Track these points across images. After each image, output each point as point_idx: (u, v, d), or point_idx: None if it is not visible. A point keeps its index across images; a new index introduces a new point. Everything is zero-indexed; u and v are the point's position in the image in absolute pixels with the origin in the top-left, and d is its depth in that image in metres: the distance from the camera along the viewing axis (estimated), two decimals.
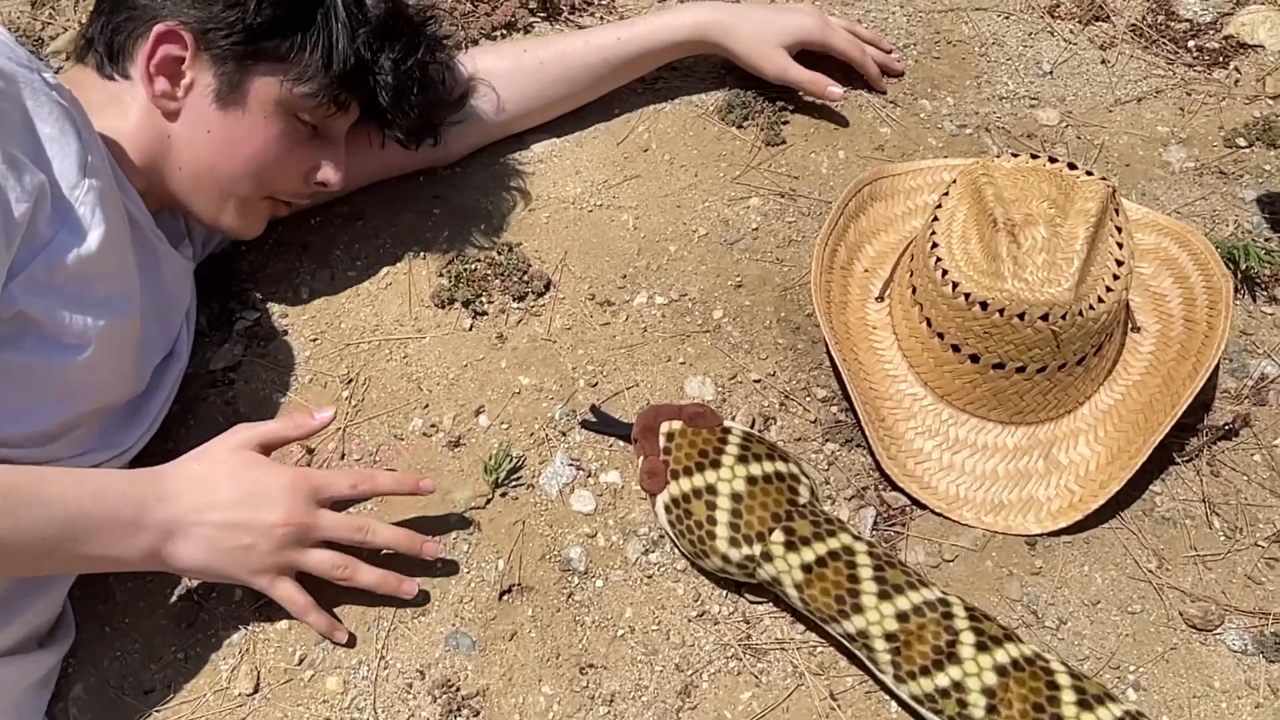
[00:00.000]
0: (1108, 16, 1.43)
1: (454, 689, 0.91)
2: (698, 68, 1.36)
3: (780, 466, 0.92)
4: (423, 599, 0.94)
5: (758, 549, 0.88)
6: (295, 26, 0.98)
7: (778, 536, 0.88)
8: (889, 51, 1.36)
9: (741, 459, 0.92)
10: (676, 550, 0.97)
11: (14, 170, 0.80)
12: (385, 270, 1.18)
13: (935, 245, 1.01)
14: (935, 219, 1.03)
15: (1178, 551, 0.98)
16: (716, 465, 0.92)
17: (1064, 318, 0.94)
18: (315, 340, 1.13)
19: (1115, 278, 0.97)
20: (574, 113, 1.30)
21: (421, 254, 1.19)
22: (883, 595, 0.85)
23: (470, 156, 1.26)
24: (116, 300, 0.92)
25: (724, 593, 0.95)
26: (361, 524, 0.92)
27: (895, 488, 1.01)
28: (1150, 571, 0.96)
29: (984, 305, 0.95)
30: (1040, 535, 0.98)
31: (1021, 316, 0.94)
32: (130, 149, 0.98)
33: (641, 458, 0.96)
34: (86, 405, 0.91)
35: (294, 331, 1.13)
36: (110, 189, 0.91)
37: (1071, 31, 1.43)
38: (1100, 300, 0.96)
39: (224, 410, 1.08)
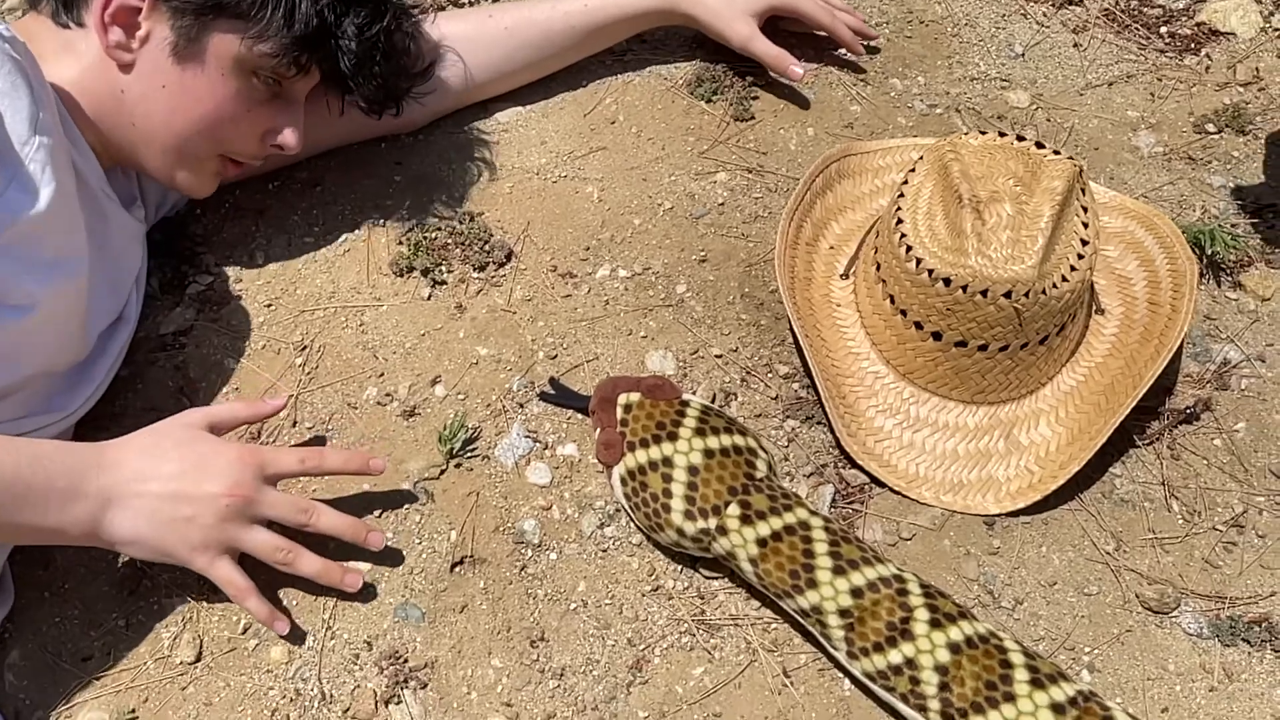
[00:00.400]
0: (1081, 0, 1.43)
1: (402, 660, 0.89)
2: (668, 41, 1.34)
3: (738, 440, 0.91)
4: (367, 593, 0.92)
5: (713, 522, 0.87)
6: None
7: (733, 510, 0.87)
8: (863, 24, 1.35)
9: (699, 432, 0.90)
10: (632, 524, 0.96)
11: None
12: (343, 237, 1.16)
13: (900, 221, 0.99)
14: (901, 195, 1.02)
15: (1136, 534, 0.97)
16: (674, 438, 0.90)
17: (1027, 295, 0.93)
18: (270, 306, 1.10)
19: (1080, 257, 0.96)
20: (541, 83, 1.28)
21: (381, 221, 1.17)
22: (837, 571, 0.84)
23: (434, 124, 1.24)
24: (65, 262, 0.90)
25: (679, 567, 0.94)
26: (306, 505, 0.89)
27: (855, 465, 1.00)
28: (1108, 553, 0.96)
29: (947, 281, 0.94)
30: (999, 515, 0.97)
31: (984, 293, 0.93)
32: (83, 100, 0.95)
33: (598, 429, 0.95)
34: (28, 369, 0.88)
35: (248, 297, 1.11)
36: (61, 146, 0.88)
37: (1045, 15, 1.42)
38: (1064, 279, 0.95)
39: (173, 375, 1.05)
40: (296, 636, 0.90)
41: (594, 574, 0.94)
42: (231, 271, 1.13)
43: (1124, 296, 1.09)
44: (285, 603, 0.91)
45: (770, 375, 1.06)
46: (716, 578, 0.93)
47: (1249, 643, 0.90)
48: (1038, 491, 0.97)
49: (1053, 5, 1.42)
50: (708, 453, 0.89)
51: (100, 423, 1.00)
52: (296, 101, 1.03)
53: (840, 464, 1.01)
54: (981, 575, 0.94)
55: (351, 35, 1.01)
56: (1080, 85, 1.34)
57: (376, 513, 0.96)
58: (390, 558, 0.94)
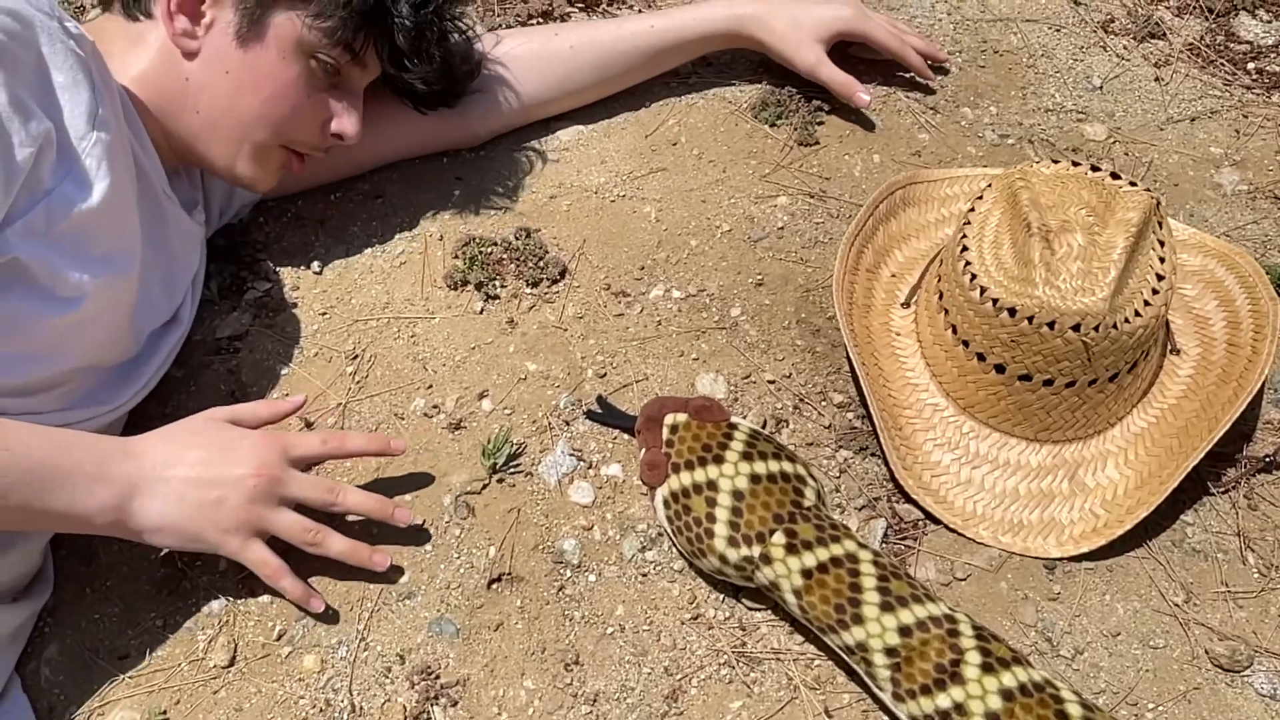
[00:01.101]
0: (1164, 34, 1.38)
1: (434, 676, 0.87)
2: (734, 64, 1.33)
3: (786, 466, 0.88)
4: (395, 574, 0.92)
5: (757, 550, 0.84)
6: None
7: (778, 538, 0.84)
8: (933, 47, 1.32)
9: (746, 456, 0.88)
10: (674, 549, 0.93)
11: (20, 114, 0.78)
12: (401, 249, 1.16)
13: (965, 249, 0.96)
14: (967, 223, 0.98)
15: (1207, 586, 0.92)
16: (720, 460, 0.88)
17: (1097, 329, 0.89)
18: (324, 314, 1.11)
19: (1155, 292, 0.92)
20: (603, 103, 1.27)
21: (438, 235, 1.17)
22: (885, 607, 0.80)
23: (495, 141, 1.24)
24: (116, 258, 0.91)
25: (721, 596, 0.91)
26: (332, 485, 0.90)
27: (909, 500, 0.96)
28: (1177, 605, 0.91)
29: (1012, 312, 0.91)
30: (1060, 559, 0.93)
31: (1051, 325, 0.89)
32: (149, 93, 0.97)
33: (643, 450, 0.93)
34: (74, 362, 0.89)
35: (304, 304, 1.11)
36: (120, 143, 0.90)
37: (1125, 48, 1.38)
38: (1137, 314, 0.90)
39: (226, 379, 1.06)
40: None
41: (633, 598, 0.91)
42: (289, 279, 1.14)
43: (1201, 337, 1.03)
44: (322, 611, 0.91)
45: (824, 403, 1.03)
46: (759, 609, 0.90)
47: None
48: (1103, 536, 0.92)
49: (1134, 39, 1.38)
50: (754, 478, 0.86)
51: (152, 423, 0.99)
52: (356, 92, 1.04)
53: (894, 498, 0.97)
54: (1040, 621, 0.90)
55: (406, 13, 1.02)
56: (1161, 120, 1.29)
57: (418, 523, 0.95)
58: (427, 571, 0.93)
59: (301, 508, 0.88)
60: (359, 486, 0.94)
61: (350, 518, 0.94)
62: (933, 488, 0.96)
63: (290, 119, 1.01)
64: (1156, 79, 1.34)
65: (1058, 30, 1.39)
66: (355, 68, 1.02)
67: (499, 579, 0.92)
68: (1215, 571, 0.92)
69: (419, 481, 0.97)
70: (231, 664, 0.88)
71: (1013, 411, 0.96)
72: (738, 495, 0.86)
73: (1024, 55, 1.36)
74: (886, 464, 0.97)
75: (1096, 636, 0.89)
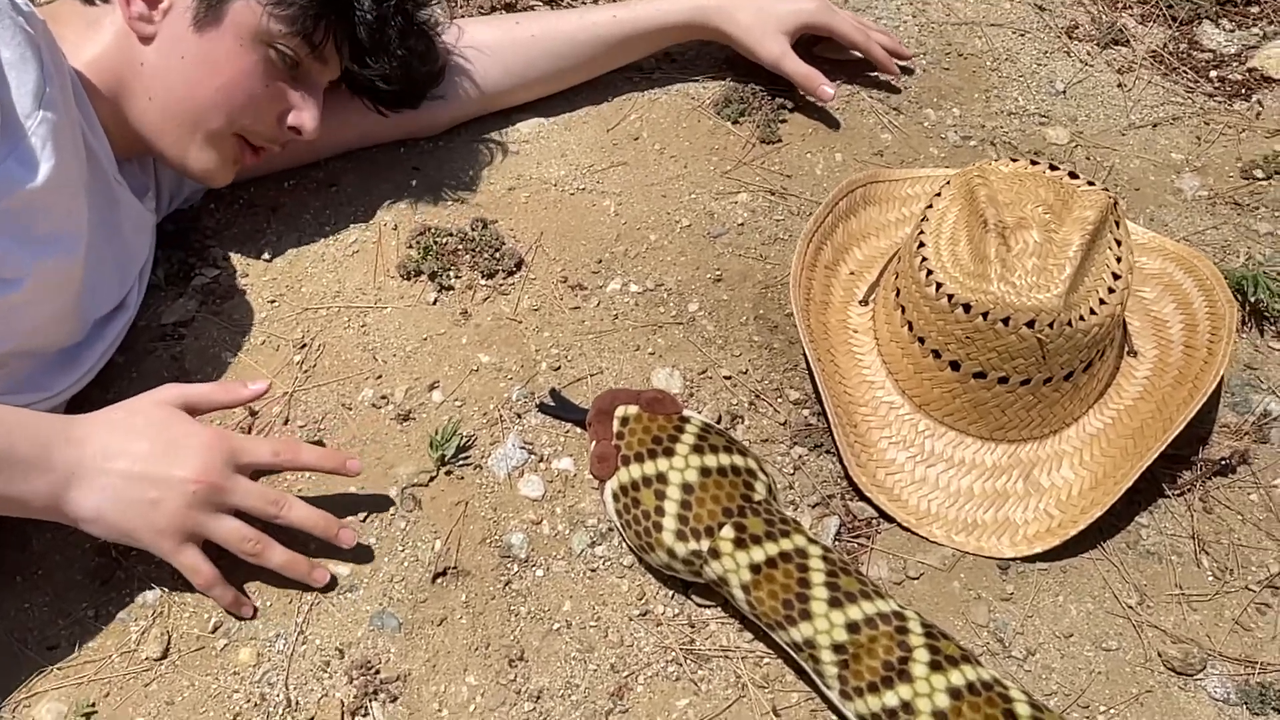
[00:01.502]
0: (1128, 41, 1.39)
1: (374, 671, 0.85)
2: (698, 60, 1.32)
3: (737, 460, 0.87)
4: (332, 585, 0.89)
5: (705, 544, 0.83)
6: None
7: (727, 532, 0.82)
8: (898, 44, 1.32)
9: (697, 449, 0.86)
10: (624, 544, 0.91)
11: None
12: (354, 238, 1.14)
13: (922, 245, 0.95)
14: (925, 219, 0.98)
15: (1161, 589, 0.91)
16: (670, 453, 0.86)
17: (1051, 326, 0.88)
18: (273, 302, 1.08)
19: (1111, 291, 0.92)
20: (565, 95, 1.26)
21: (393, 225, 1.15)
22: (834, 603, 0.79)
23: (453, 131, 1.23)
24: (61, 239, 0.88)
25: (670, 593, 0.89)
26: (277, 497, 0.85)
27: (863, 498, 0.95)
28: (1130, 607, 0.90)
29: (967, 308, 0.90)
30: (1014, 559, 0.92)
31: (1006, 322, 0.89)
32: (102, 78, 0.94)
33: (594, 442, 0.91)
34: (13, 344, 0.86)
35: (253, 292, 1.09)
36: (68, 124, 0.87)
37: (1088, 54, 1.38)
38: (1092, 312, 0.90)
39: (170, 365, 1.03)
40: (266, 649, 0.86)
41: (580, 594, 0.89)
42: (239, 266, 1.11)
43: (1159, 339, 1.03)
44: (258, 603, 0.88)
45: (780, 400, 1.02)
46: (709, 606, 0.89)
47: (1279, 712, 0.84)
48: (1057, 536, 0.91)
49: (1097, 45, 1.38)
50: (704, 471, 0.85)
51: (94, 407, 0.97)
52: (316, 86, 1.01)
53: (848, 496, 0.96)
54: (992, 621, 0.88)
55: (368, 6, 1.00)
56: (1123, 125, 1.29)
57: (361, 516, 0.93)
58: (371, 564, 0.90)
59: (244, 514, 0.85)
60: (304, 497, 0.90)
61: None
62: (887, 485, 0.95)
63: (245, 108, 0.98)
64: (1119, 85, 1.34)
65: (1022, 35, 1.39)
66: (315, 62, 1.00)
67: (444, 573, 0.90)
68: (1169, 574, 0.92)
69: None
70: (164, 656, 0.86)
71: (968, 410, 0.95)
72: (687, 488, 0.84)
73: (988, 59, 1.36)
74: (841, 461, 0.96)
75: (1049, 637, 0.88)
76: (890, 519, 0.94)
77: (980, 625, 0.88)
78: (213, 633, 0.87)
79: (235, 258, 1.12)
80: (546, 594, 0.89)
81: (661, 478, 0.85)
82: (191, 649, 0.86)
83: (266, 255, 1.12)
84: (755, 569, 0.81)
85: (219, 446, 0.83)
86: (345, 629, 0.87)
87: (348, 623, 0.87)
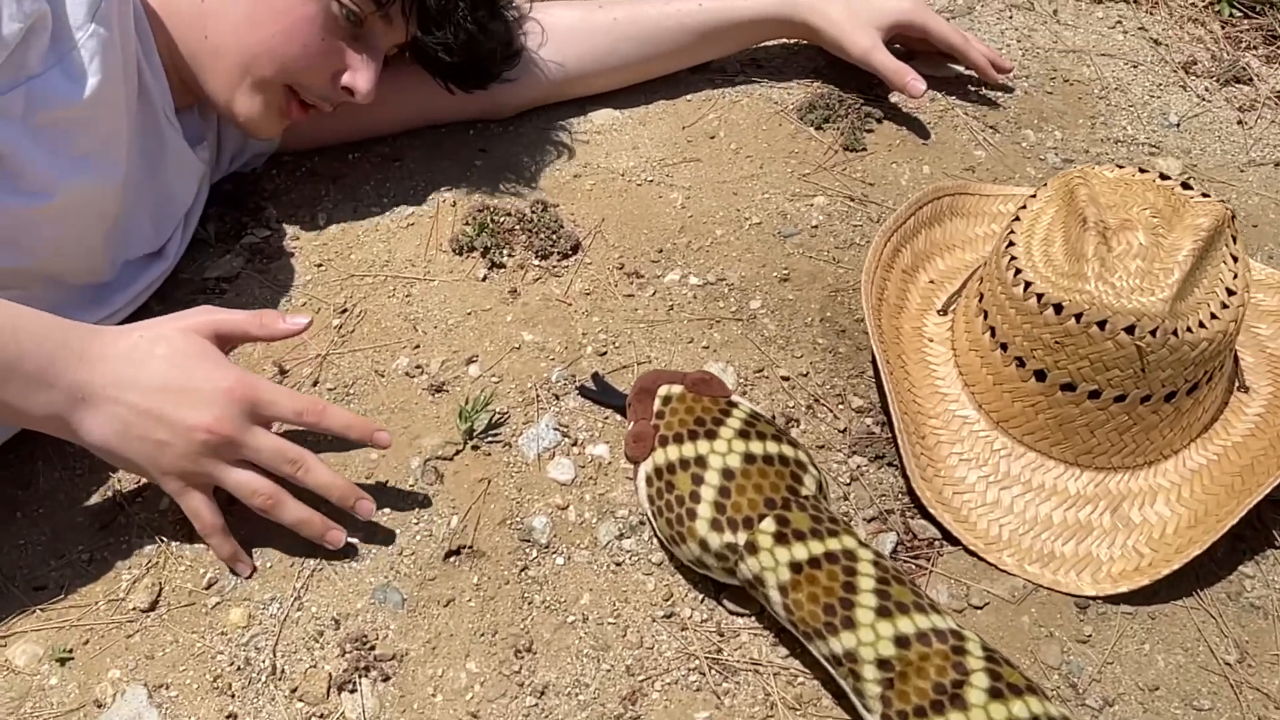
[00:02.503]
0: (1250, 80, 1.29)
1: (368, 646, 0.77)
2: (785, 68, 1.27)
3: (786, 450, 0.78)
4: (349, 551, 0.82)
5: (742, 537, 0.74)
6: None
7: (768, 525, 0.73)
8: (997, 55, 1.24)
9: (742, 434, 0.78)
10: (654, 536, 0.83)
11: None
12: (410, 211, 1.10)
13: (1012, 244, 0.87)
14: (1016, 219, 0.89)
15: (1265, 647, 0.79)
16: (712, 436, 0.78)
17: (1154, 333, 0.78)
18: (320, 266, 1.04)
19: (1224, 306, 0.82)
20: (642, 90, 1.21)
21: (452, 202, 1.10)
22: (882, 612, 0.69)
23: (524, 116, 1.19)
24: (95, 162, 0.85)
25: (700, 596, 0.80)
26: (296, 455, 0.79)
27: (925, 515, 0.85)
28: (1228, 664, 0.78)
29: (1058, 309, 0.81)
30: (1095, 598, 0.81)
31: (1102, 325, 0.79)
32: (162, 9, 0.93)
33: (632, 422, 0.83)
34: (34, 261, 0.83)
35: (301, 255, 1.05)
36: (123, 47, 0.85)
37: (1207, 89, 1.29)
38: (1201, 325, 0.80)
39: None
40: (259, 612, 0.79)
41: (602, 587, 0.81)
42: (291, 229, 1.08)
43: (1274, 376, 0.92)
44: (259, 563, 0.82)
45: (841, 406, 0.93)
46: (743, 614, 0.79)
47: None
48: (1146, 576, 0.80)
49: (1217, 81, 1.29)
50: (748, 457, 0.77)
51: None
52: (376, 48, 0.98)
53: (909, 512, 0.86)
54: (1065, 664, 0.77)
55: None
56: (1242, 161, 1.19)
57: (377, 482, 0.86)
58: (381, 534, 0.83)
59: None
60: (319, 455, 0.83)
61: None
62: (954, 505, 0.85)
63: (299, 59, 0.94)
64: (1239, 122, 1.24)
65: (1134, 66, 1.31)
66: (380, 21, 0.96)
67: (458, 551, 0.83)
68: (1275, 632, 0.80)
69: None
70: (152, 608, 0.80)
71: (1052, 428, 0.85)
72: (727, 474, 0.76)
73: (1096, 86, 1.28)
74: (904, 475, 0.87)
75: (1131, 688, 0.76)
76: (955, 541, 0.84)
77: (1051, 667, 0.77)
78: (206, 589, 0.81)
79: (288, 221, 1.09)
80: (565, 584, 0.81)
81: (700, 461, 0.77)
82: (181, 603, 0.80)
83: (321, 221, 1.08)
84: (796, 568, 0.72)
85: (239, 395, 0.77)
86: (345, 599, 0.80)
87: (348, 593, 0.80)
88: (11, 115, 0.78)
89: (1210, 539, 0.79)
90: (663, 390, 0.83)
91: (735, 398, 0.83)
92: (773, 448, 0.78)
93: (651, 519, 0.81)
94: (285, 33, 0.92)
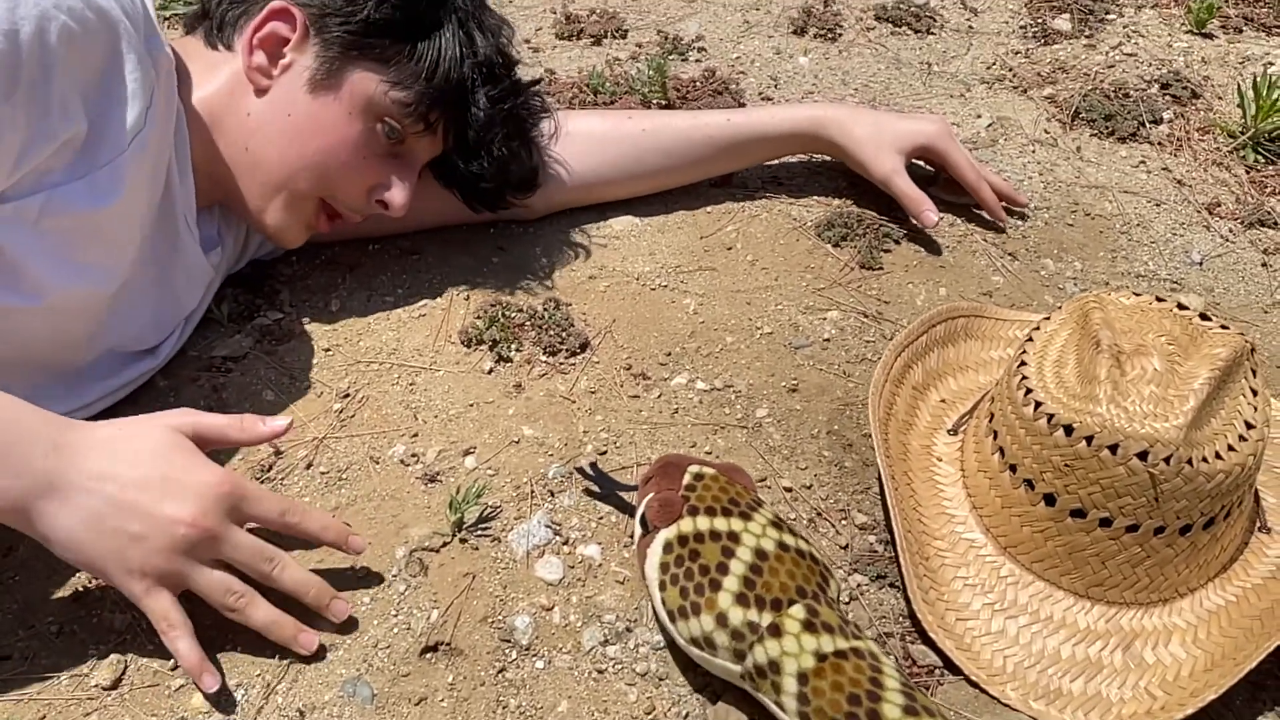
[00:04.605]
0: (1275, 224, 1.28)
1: None
2: (806, 186, 1.28)
3: (815, 553, 0.76)
4: (320, 654, 0.78)
5: (768, 618, 0.70)
6: (410, 33, 0.96)
7: (797, 611, 0.70)
8: (1013, 191, 1.25)
9: (775, 524, 0.76)
10: (652, 604, 0.77)
11: (62, 109, 0.77)
12: (423, 302, 1.10)
13: (1024, 364, 0.85)
14: (1029, 339, 0.88)
15: None
16: (746, 517, 0.76)
17: (1167, 461, 0.75)
18: (328, 350, 1.04)
19: (1242, 439, 0.79)
20: (662, 200, 1.23)
21: (466, 295, 1.11)
22: (910, 711, 0.65)
23: (545, 219, 1.20)
24: (95, 271, 0.86)
25: (685, 711, 0.76)
26: (273, 555, 0.76)
27: (926, 641, 0.81)
28: None
29: (1069, 430, 0.78)
30: None
31: (1114, 449, 0.76)
32: (207, 118, 0.94)
33: (653, 493, 0.80)
34: (5, 349, 0.83)
35: (310, 339, 1.05)
36: (153, 164, 0.87)
37: (1231, 230, 1.28)
38: (1219, 456, 0.77)
39: (209, 395, 0.99)
40: (224, 700, 0.76)
41: (581, 695, 0.77)
42: (303, 313, 1.08)
43: None
44: (228, 649, 0.79)
45: (844, 521, 0.90)
46: None
47: None
48: None
49: (1241, 223, 1.29)
50: (782, 545, 0.74)
51: None
52: (413, 165, 1.00)
53: (909, 637, 0.82)
54: None
55: (483, 104, 0.99)
56: (1266, 303, 1.18)
57: (358, 572, 0.84)
58: (356, 624, 0.80)
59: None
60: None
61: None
62: (956, 632, 0.81)
63: (337, 175, 0.96)
64: (1264, 265, 1.23)
65: (1157, 205, 1.31)
66: (422, 139, 0.99)
67: (434, 648, 0.80)
68: None
69: (375, 526, 0.87)
70: (115, 687, 0.77)
71: (1062, 556, 0.82)
72: (760, 554, 0.73)
73: (1118, 221, 1.28)
74: (906, 597, 0.83)
75: None
76: (957, 670, 0.80)
77: None
78: (172, 670, 0.78)
79: (302, 305, 1.09)
80: (543, 690, 0.77)
81: (733, 537, 0.74)
82: (145, 683, 0.77)
83: (334, 307, 1.09)
84: (821, 657, 0.68)
85: (225, 491, 0.75)
86: (313, 690, 0.77)
87: (317, 683, 0.77)
88: (26, 218, 0.78)
89: (1227, 683, 0.74)
90: (694, 468, 0.81)
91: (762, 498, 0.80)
92: (803, 545, 0.76)
93: (656, 589, 0.76)
94: (327, 149, 0.94)
